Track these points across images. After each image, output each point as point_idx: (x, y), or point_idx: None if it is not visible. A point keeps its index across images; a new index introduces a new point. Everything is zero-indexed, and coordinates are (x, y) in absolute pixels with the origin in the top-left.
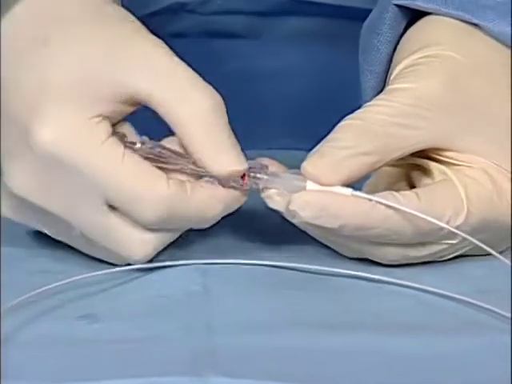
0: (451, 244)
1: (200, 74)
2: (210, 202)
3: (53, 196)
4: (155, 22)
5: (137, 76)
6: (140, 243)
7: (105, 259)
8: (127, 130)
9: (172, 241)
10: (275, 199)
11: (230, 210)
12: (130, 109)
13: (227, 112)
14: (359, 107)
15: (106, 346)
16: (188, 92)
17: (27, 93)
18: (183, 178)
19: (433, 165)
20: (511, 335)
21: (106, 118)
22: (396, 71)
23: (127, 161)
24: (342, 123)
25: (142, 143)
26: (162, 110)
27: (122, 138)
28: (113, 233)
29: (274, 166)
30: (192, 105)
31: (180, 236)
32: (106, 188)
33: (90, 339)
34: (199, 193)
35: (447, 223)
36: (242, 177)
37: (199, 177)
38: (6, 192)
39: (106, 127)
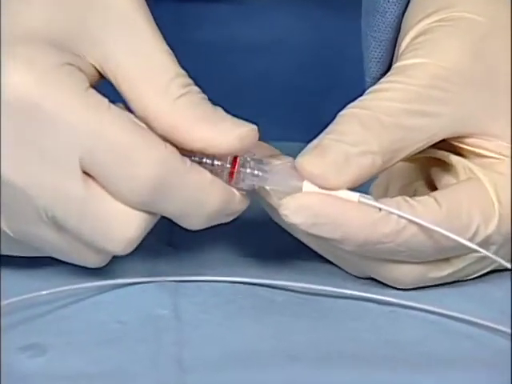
0: (483, 258)
1: (171, 47)
2: (210, 187)
3: (19, 161)
4: None
5: (112, 38)
6: (124, 218)
7: (66, 256)
8: None
9: None
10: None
11: (229, 212)
12: (96, 76)
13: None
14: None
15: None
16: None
17: (4, 38)
18: None
19: (456, 159)
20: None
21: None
22: (406, 40)
23: (114, 111)
24: (345, 112)
25: None
26: (126, 87)
27: None
28: (89, 204)
29: (263, 150)
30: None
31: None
32: (86, 141)
33: (34, 374)
34: (200, 170)
35: (476, 233)
36: (231, 173)
37: None
38: None
39: (85, 78)
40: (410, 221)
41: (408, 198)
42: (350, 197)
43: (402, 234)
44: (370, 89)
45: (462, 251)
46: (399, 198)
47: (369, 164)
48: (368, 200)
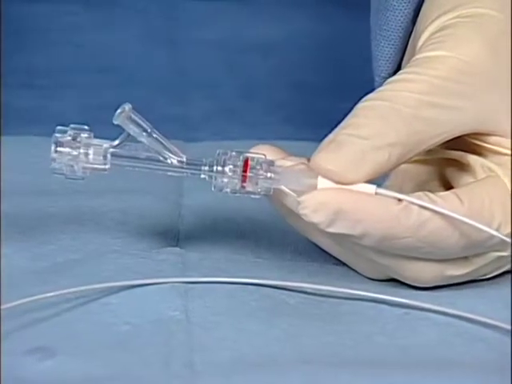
0: (501, 257)
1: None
2: None
3: None
4: None
5: None
6: None
7: None
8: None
9: None
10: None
11: None
12: None
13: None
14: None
15: None
16: None
17: None
18: None
19: (473, 159)
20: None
21: None
22: (424, 36)
23: None
24: (362, 104)
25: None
26: None
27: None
28: None
29: (274, 154)
30: None
31: None
32: None
33: (43, 379)
34: None
35: (497, 231)
36: (243, 176)
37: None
38: None
39: None
40: (433, 211)
41: (429, 193)
42: (366, 189)
43: (424, 227)
44: (389, 80)
45: (482, 249)
46: (420, 193)
47: (386, 158)
48: (386, 191)
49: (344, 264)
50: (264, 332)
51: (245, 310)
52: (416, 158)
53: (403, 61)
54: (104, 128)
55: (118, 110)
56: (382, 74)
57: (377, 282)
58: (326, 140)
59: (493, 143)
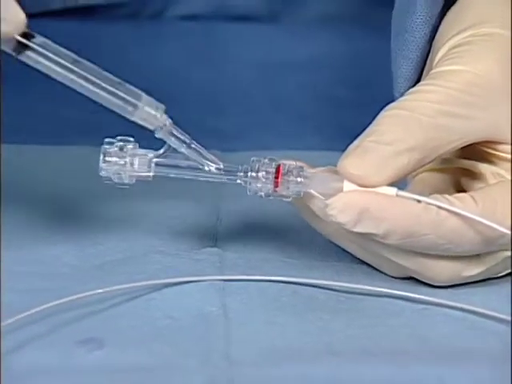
0: (510, 256)
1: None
2: None
3: None
4: (162, 2)
5: None
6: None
7: None
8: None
9: None
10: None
11: None
12: None
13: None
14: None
15: (111, 376)
16: None
17: None
18: None
19: (484, 167)
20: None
21: None
22: (441, 52)
23: None
24: (385, 113)
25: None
26: None
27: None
28: None
29: None
30: None
31: None
32: None
33: (92, 368)
34: None
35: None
36: (276, 181)
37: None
38: None
39: None
40: (449, 211)
41: (446, 195)
42: (387, 191)
43: (442, 225)
44: (409, 91)
45: (496, 246)
46: (438, 195)
47: (405, 162)
48: (406, 193)
49: (368, 264)
50: (295, 326)
51: (277, 305)
52: (433, 167)
53: (422, 76)
54: (148, 139)
55: (160, 125)
56: (401, 90)
57: (398, 280)
58: (352, 146)
59: (503, 151)
